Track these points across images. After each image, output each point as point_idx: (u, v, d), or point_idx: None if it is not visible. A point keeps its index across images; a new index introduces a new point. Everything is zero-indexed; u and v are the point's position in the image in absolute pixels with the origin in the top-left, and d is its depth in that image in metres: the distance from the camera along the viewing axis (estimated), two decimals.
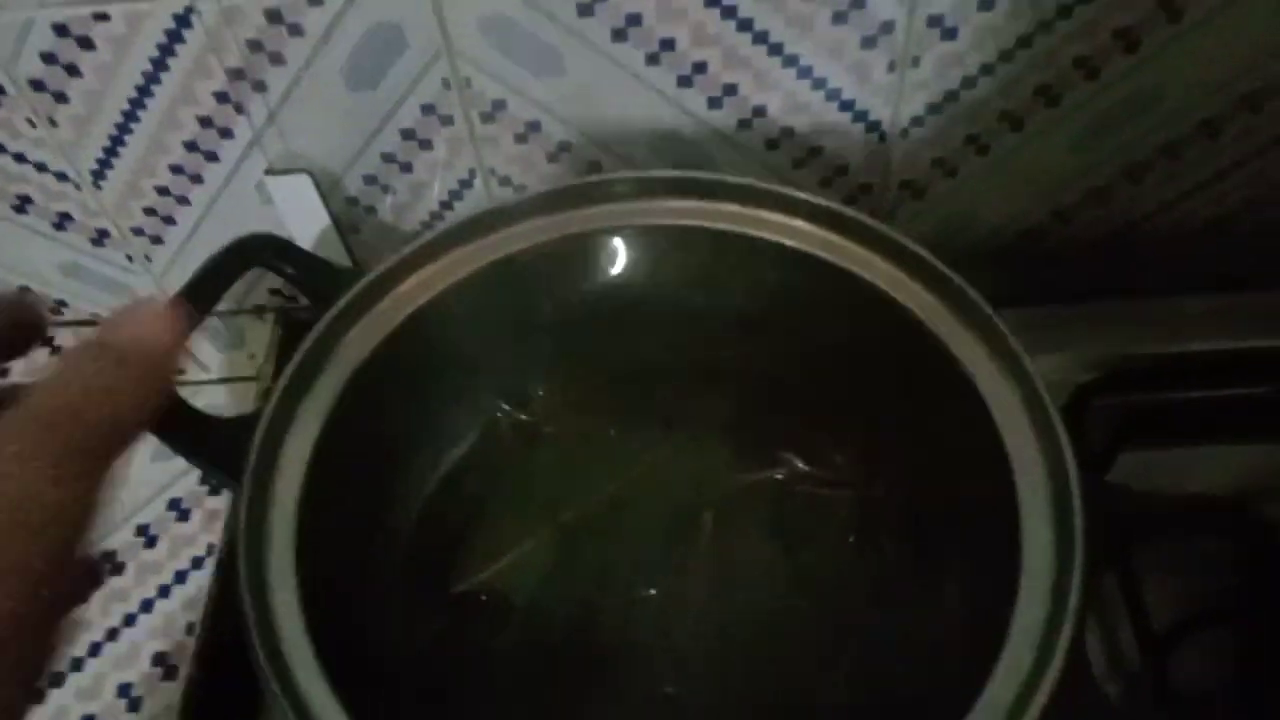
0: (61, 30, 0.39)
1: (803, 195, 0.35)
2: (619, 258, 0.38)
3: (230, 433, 0.31)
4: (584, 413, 0.40)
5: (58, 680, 0.40)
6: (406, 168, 0.44)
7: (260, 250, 0.36)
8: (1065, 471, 0.28)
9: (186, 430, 0.31)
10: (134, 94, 0.42)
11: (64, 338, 0.52)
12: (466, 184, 0.45)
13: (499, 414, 0.40)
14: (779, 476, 0.39)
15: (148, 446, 0.46)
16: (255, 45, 0.40)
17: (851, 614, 0.35)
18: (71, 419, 0.20)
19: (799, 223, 0.36)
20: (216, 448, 0.31)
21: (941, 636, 0.31)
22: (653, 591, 0.37)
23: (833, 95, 0.41)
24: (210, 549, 0.43)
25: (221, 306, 0.51)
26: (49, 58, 0.40)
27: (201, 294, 0.34)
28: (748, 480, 0.39)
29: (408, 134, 0.43)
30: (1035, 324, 0.35)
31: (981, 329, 0.32)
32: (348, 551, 0.33)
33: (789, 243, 0.35)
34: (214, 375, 0.49)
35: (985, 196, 0.45)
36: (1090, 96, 0.41)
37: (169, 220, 0.47)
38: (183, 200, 0.46)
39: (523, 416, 0.40)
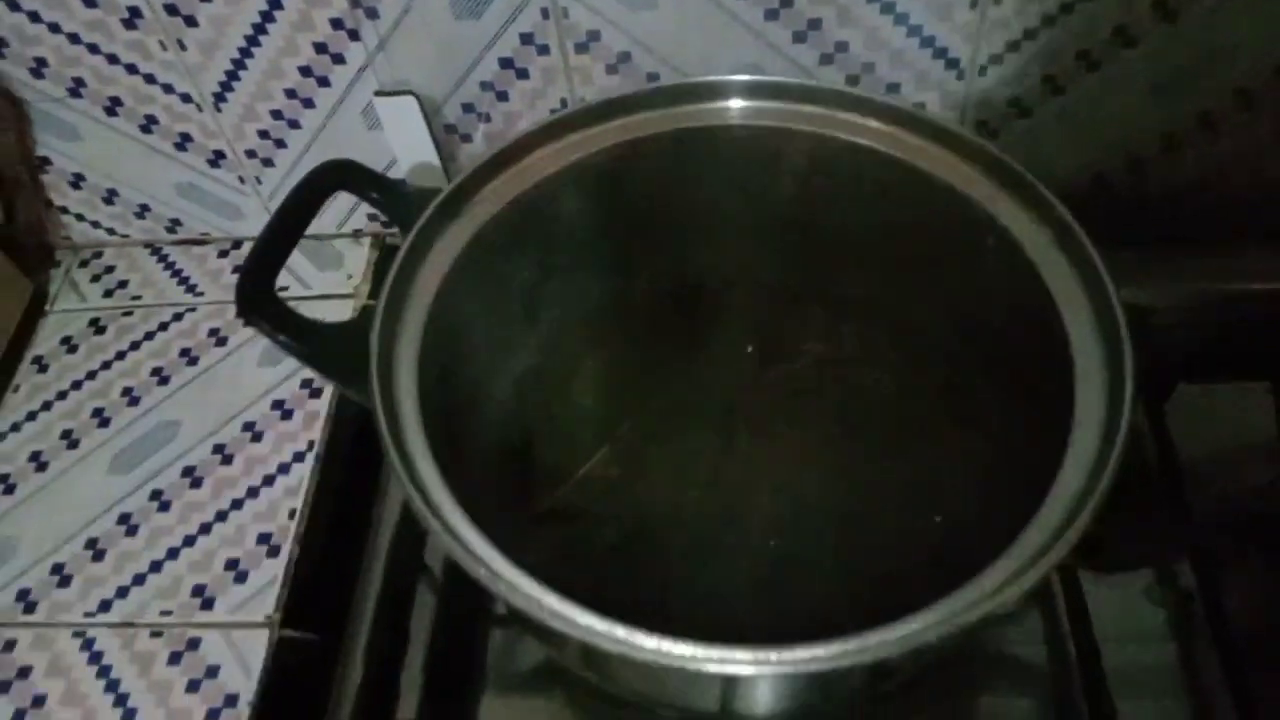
0: None
1: (869, 94, 0.38)
2: (689, 158, 0.41)
3: (335, 335, 0.35)
4: (623, 328, 0.44)
5: (173, 554, 0.44)
6: (503, 96, 0.47)
7: (348, 174, 0.40)
8: (1113, 313, 0.31)
9: (298, 335, 0.35)
10: (257, 19, 0.45)
11: (177, 255, 0.56)
12: (557, 113, 0.47)
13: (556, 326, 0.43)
14: (799, 365, 0.44)
15: (255, 351, 0.50)
16: None
17: (901, 452, 0.40)
18: None
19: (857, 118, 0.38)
20: (325, 351, 0.35)
21: (991, 464, 0.35)
22: (716, 479, 0.42)
23: (914, 31, 0.42)
24: (310, 445, 0.46)
25: (321, 230, 0.55)
26: None
27: (296, 210, 0.37)
28: (774, 371, 0.44)
29: (506, 63, 0.45)
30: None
31: (1034, 205, 0.35)
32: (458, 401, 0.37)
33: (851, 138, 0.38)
34: (313, 292, 0.53)
35: (1059, 139, 0.46)
36: (1168, 40, 0.42)
37: (280, 144, 0.50)
38: (294, 124, 0.49)
39: (576, 333, 0.43)
